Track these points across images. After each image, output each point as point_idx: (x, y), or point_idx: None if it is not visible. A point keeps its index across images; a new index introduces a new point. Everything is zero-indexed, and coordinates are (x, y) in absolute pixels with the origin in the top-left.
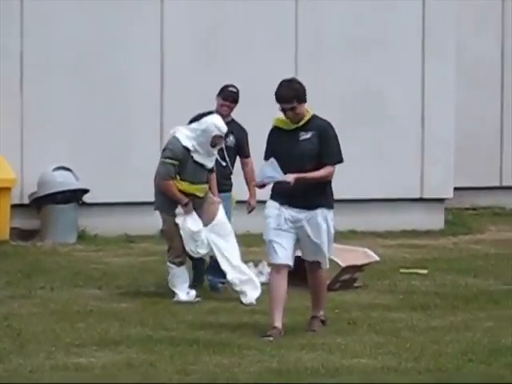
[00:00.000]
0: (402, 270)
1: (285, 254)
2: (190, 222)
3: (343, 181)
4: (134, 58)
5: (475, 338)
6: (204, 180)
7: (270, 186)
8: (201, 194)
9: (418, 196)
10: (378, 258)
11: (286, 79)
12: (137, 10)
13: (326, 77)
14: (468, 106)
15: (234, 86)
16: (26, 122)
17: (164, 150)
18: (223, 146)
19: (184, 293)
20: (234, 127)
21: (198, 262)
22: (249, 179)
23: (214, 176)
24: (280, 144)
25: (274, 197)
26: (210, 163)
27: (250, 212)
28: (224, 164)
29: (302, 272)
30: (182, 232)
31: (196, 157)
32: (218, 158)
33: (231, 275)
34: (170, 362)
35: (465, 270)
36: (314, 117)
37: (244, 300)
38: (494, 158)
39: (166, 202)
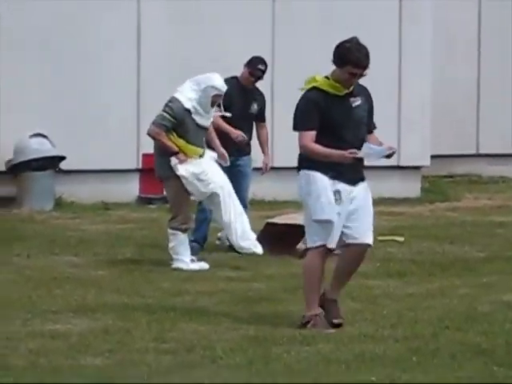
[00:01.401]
0: (378, 238)
1: (337, 237)
2: (191, 167)
3: None
4: (111, 24)
5: (451, 304)
6: (201, 143)
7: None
8: (196, 156)
9: (394, 164)
10: None
11: (352, 41)
12: None
13: (303, 45)
14: (445, 73)
15: (263, 62)
16: (1, 89)
17: (166, 104)
18: (250, 112)
19: (188, 259)
20: (256, 95)
21: (204, 222)
22: (264, 141)
23: (211, 129)
24: (334, 110)
25: (321, 169)
26: (208, 122)
27: (265, 172)
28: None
29: (281, 240)
30: (189, 180)
31: (198, 119)
32: (242, 122)
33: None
34: (147, 329)
35: (441, 237)
36: None
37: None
38: (470, 125)
39: (168, 165)
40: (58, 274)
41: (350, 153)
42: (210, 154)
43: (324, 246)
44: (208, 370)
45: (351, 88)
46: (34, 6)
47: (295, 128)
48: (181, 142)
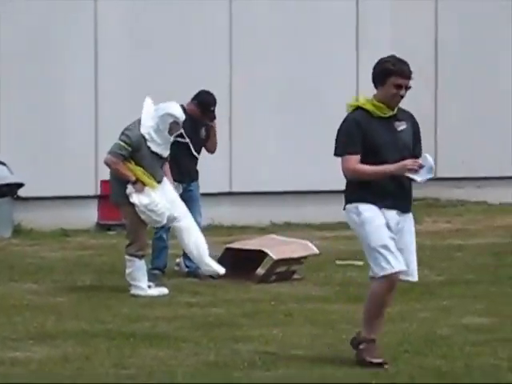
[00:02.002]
0: (337, 262)
1: (400, 259)
2: (142, 197)
3: (280, 174)
4: (70, 53)
5: (411, 328)
6: (158, 173)
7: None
8: (152, 187)
9: None
10: (317, 251)
11: (390, 56)
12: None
13: (260, 70)
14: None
15: (214, 102)
16: None
17: (122, 132)
18: (200, 137)
19: (145, 285)
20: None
21: (163, 250)
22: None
23: (167, 166)
24: (377, 133)
25: (370, 199)
26: (165, 152)
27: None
28: (197, 155)
29: (239, 265)
30: (141, 209)
31: (153, 147)
32: (193, 150)
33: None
34: (107, 355)
35: None
36: None
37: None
38: (428, 148)
39: (123, 191)
40: (18, 301)
41: (410, 161)
42: (167, 182)
43: (393, 273)
44: None
45: (395, 110)
46: None
47: (336, 153)
48: (138, 170)
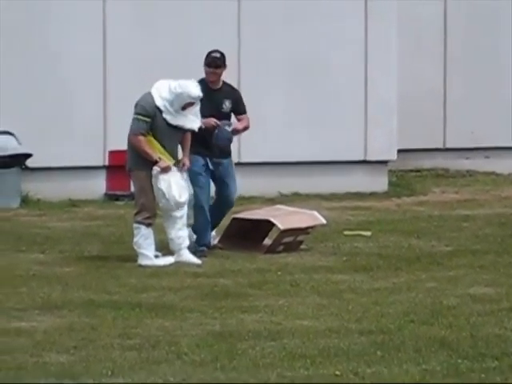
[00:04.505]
0: (345, 232)
1: None
2: (175, 190)
3: (288, 144)
4: (76, 22)
5: (417, 299)
6: (175, 149)
7: None
8: (169, 162)
9: (361, 158)
10: (324, 221)
11: None
12: None
13: (269, 42)
14: (411, 68)
15: (217, 51)
16: None
17: (136, 105)
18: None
19: (152, 254)
20: (227, 92)
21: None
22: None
23: (188, 136)
24: None
25: None
26: (188, 123)
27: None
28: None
29: (247, 235)
30: (163, 200)
31: (168, 118)
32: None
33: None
34: (112, 325)
35: (408, 231)
36: None
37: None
38: (437, 119)
39: (140, 159)
40: (24, 272)
41: None
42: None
43: None
44: (173, 366)
45: None
46: None
47: None
48: (157, 145)
